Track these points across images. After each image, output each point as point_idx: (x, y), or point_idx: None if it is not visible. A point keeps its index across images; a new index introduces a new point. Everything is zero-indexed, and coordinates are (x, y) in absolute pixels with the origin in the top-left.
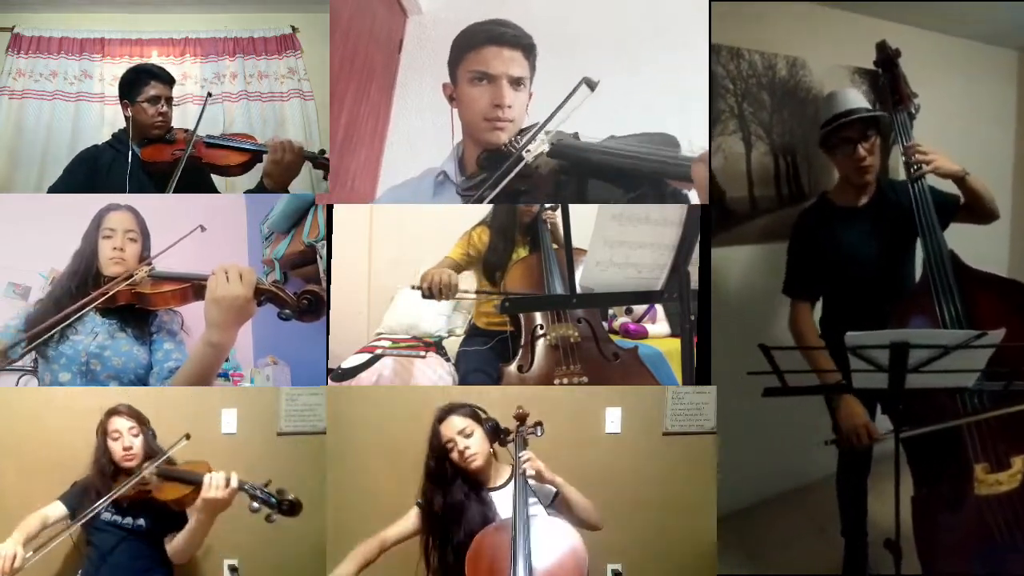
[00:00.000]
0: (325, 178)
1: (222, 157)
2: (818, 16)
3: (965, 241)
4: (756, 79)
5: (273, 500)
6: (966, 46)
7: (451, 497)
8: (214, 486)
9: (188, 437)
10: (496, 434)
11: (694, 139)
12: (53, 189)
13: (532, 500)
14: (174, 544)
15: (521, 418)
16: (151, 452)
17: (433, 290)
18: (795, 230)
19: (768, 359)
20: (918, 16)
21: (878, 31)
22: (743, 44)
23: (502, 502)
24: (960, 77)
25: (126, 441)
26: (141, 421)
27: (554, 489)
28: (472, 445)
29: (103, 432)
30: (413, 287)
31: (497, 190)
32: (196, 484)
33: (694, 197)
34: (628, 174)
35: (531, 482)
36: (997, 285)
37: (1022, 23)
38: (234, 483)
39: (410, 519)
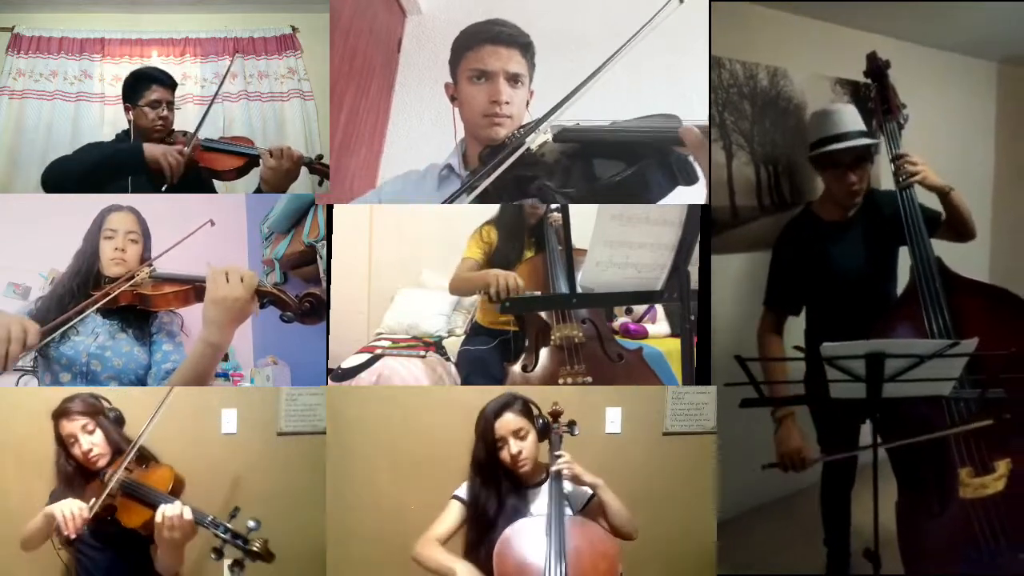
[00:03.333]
0: (321, 184)
1: (219, 161)
2: (799, 26)
3: (947, 250)
4: (737, 88)
5: (240, 540)
6: (946, 58)
7: (496, 494)
8: (167, 526)
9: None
10: (546, 434)
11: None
12: (59, 163)
13: (566, 502)
14: (156, 562)
15: (555, 415)
16: (118, 444)
17: (501, 294)
18: (779, 242)
19: (745, 370)
20: (899, 28)
21: (859, 42)
22: (724, 53)
23: (536, 500)
24: (940, 88)
25: (84, 443)
26: (94, 412)
27: (589, 492)
28: (525, 449)
29: (58, 440)
30: (481, 292)
31: (498, 172)
32: (156, 508)
33: (698, 167)
34: (632, 147)
35: (567, 485)
36: (983, 292)
37: (1001, 35)
38: (188, 516)
39: (453, 515)
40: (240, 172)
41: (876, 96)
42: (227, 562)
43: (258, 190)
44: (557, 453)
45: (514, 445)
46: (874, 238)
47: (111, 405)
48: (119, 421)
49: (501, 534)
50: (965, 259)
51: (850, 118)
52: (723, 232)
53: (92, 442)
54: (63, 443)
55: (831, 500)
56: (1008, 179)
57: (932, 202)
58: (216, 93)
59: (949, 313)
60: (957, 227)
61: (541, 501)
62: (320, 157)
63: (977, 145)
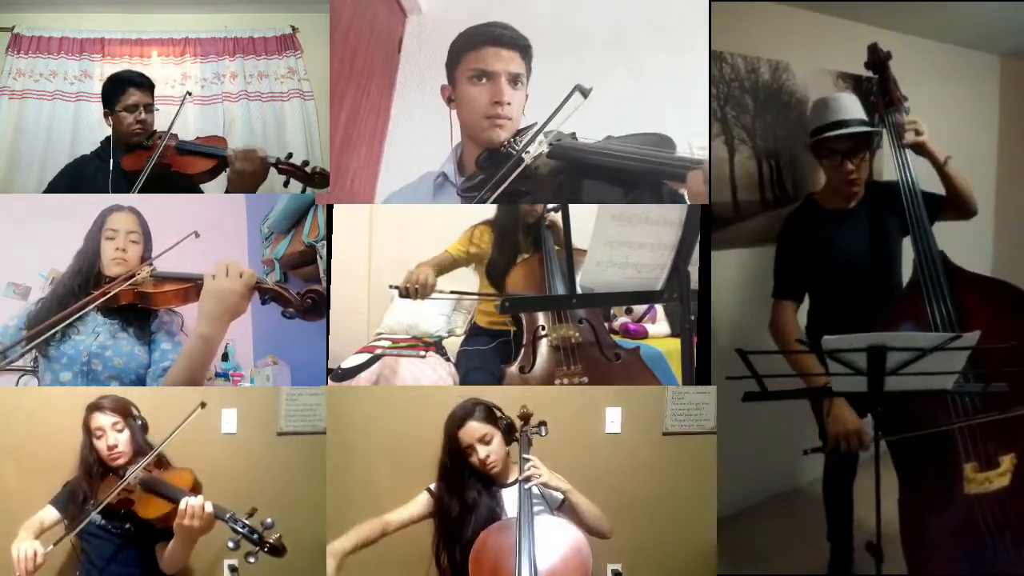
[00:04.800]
0: (286, 185)
1: (191, 164)
2: (801, 20)
3: (950, 244)
4: (739, 83)
5: (256, 536)
6: (949, 51)
7: (465, 497)
8: (189, 515)
9: (203, 406)
10: (511, 433)
11: (693, 141)
12: None
13: (537, 502)
14: (163, 557)
15: (525, 417)
16: (140, 448)
17: (409, 290)
18: (783, 232)
19: (746, 363)
20: (902, 21)
21: (862, 35)
22: (726, 47)
23: (510, 499)
24: (944, 82)
25: (110, 439)
26: (126, 414)
27: (561, 496)
28: (492, 453)
29: (87, 429)
30: (391, 286)
31: (498, 192)
32: (177, 502)
33: (689, 199)
34: (626, 174)
35: (536, 488)
36: (986, 285)
37: (1005, 28)
38: (209, 509)
39: (418, 505)
40: (213, 173)
41: (877, 88)
42: (228, 563)
43: (227, 192)
44: (525, 456)
45: (481, 450)
46: (876, 228)
47: (138, 413)
48: (144, 428)
49: (477, 538)
50: (969, 251)
51: (850, 105)
52: (725, 227)
53: (118, 439)
54: (91, 434)
55: (834, 493)
56: (1011, 173)
57: (933, 187)
58: (184, 96)
59: (953, 306)
60: (958, 202)
61: (515, 501)
62: (290, 156)
63: (980, 139)
